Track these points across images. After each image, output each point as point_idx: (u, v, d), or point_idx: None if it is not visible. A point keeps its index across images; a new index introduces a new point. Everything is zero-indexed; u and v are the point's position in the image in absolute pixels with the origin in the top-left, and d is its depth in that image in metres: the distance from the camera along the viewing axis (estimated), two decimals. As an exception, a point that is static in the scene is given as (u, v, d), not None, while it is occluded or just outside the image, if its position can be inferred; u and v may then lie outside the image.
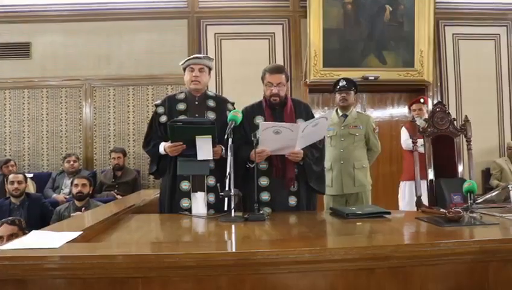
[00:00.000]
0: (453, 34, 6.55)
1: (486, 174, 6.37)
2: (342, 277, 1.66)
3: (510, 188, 2.51)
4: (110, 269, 1.57)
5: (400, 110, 6.70)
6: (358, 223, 2.40)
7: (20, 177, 4.56)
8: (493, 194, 2.78)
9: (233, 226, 2.34)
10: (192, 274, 1.59)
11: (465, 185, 2.53)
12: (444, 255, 1.69)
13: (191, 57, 3.15)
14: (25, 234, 2.44)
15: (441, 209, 2.49)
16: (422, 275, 1.69)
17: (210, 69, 3.21)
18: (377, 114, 6.64)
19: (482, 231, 2.04)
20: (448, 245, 1.70)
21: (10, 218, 3.16)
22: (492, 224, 2.15)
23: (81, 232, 1.93)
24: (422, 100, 4.96)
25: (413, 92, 6.46)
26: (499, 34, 6.61)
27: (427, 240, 1.84)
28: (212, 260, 1.59)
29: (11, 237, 2.78)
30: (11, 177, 4.55)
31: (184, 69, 3.17)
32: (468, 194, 2.51)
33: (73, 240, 1.80)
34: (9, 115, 6.19)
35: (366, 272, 1.67)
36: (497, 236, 1.88)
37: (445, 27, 6.54)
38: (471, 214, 2.34)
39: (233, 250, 1.80)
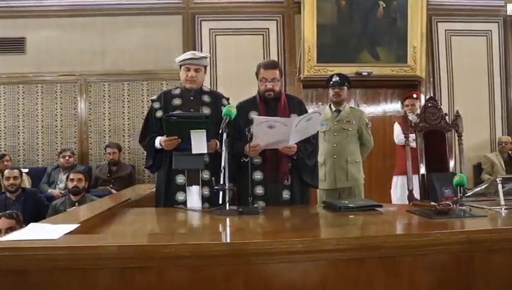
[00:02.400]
0: (446, 30, 6.61)
1: (478, 169, 6.44)
2: (333, 267, 1.71)
3: (498, 181, 2.55)
4: (108, 259, 1.61)
5: (393, 106, 6.75)
6: (350, 216, 2.45)
7: (16, 172, 4.60)
8: (482, 187, 2.83)
9: (227, 219, 2.38)
10: (187, 264, 1.64)
11: (455, 179, 2.57)
12: (431, 245, 1.75)
13: (188, 56, 3.17)
14: (22, 227, 2.47)
15: (432, 203, 2.54)
16: (410, 265, 1.75)
17: (205, 67, 3.27)
18: (370, 109, 6.70)
19: (470, 222, 2.09)
20: (436, 236, 1.76)
21: (8, 212, 3.20)
22: (480, 216, 2.22)
23: (79, 224, 1.97)
24: (414, 96, 5.01)
25: (406, 87, 6.50)
26: (490, 31, 6.68)
27: (416, 231, 1.91)
28: (207, 251, 1.64)
29: (9, 230, 2.81)
30: (6, 172, 4.58)
31: (180, 66, 3.21)
32: (458, 187, 2.56)
33: (71, 232, 1.84)
34: (4, 110, 6.20)
35: (357, 262, 1.72)
36: (483, 227, 1.93)
37: (438, 23, 6.60)
38: (460, 207, 2.39)
39: (228, 241, 1.85)
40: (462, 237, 1.78)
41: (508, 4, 6.59)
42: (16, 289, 1.58)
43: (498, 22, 6.70)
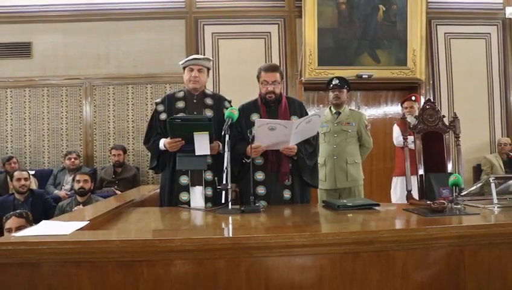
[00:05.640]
0: (445, 33, 6.68)
1: (478, 170, 6.50)
2: (330, 260, 1.80)
3: (491, 181, 2.63)
4: (117, 253, 1.71)
5: (393, 108, 6.82)
6: (349, 215, 2.53)
7: (26, 174, 4.70)
8: (476, 187, 2.90)
9: (230, 217, 2.46)
10: (192, 257, 1.74)
11: (451, 179, 2.65)
12: (423, 239, 1.85)
13: (191, 57, 3.29)
14: (31, 226, 2.55)
15: (427, 202, 2.62)
16: (403, 259, 1.84)
17: (208, 69, 3.36)
18: (371, 112, 6.77)
19: (462, 219, 2.18)
20: (427, 231, 1.85)
21: (18, 211, 3.28)
22: (473, 214, 2.30)
23: (88, 222, 2.07)
24: (413, 98, 5.09)
25: (406, 90, 6.59)
26: (489, 33, 6.75)
27: (409, 227, 1.99)
28: (211, 244, 1.74)
29: (19, 229, 2.89)
30: (17, 174, 4.68)
31: (184, 69, 3.30)
32: (454, 187, 2.64)
33: (82, 229, 1.94)
34: (11, 113, 6.31)
35: (352, 256, 1.81)
36: (473, 223, 2.02)
37: (437, 26, 6.68)
38: (455, 206, 2.47)
39: (230, 235, 1.95)
40: (452, 232, 1.87)
41: (506, 7, 6.65)
42: (30, 281, 1.68)
43: (497, 25, 6.77)
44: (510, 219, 2.15)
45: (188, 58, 3.29)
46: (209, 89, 3.55)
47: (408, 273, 1.83)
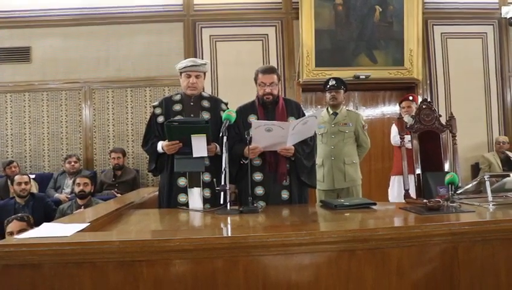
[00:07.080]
0: (442, 33, 6.72)
1: (476, 168, 6.54)
2: (326, 257, 1.83)
3: (486, 179, 2.66)
4: (118, 253, 1.74)
5: (391, 108, 6.85)
6: (346, 214, 2.56)
7: (26, 178, 4.74)
8: (472, 184, 2.93)
9: (228, 218, 2.49)
10: (190, 257, 1.77)
11: (447, 177, 2.69)
12: (417, 237, 1.88)
13: (189, 64, 3.28)
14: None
15: (424, 200, 2.65)
16: (398, 256, 1.87)
17: (205, 73, 3.40)
18: (369, 112, 6.81)
19: (456, 217, 2.20)
20: (421, 228, 1.89)
21: (19, 215, 3.32)
22: (468, 212, 2.32)
23: (89, 223, 2.10)
24: (410, 98, 5.13)
25: (403, 90, 6.62)
26: (486, 33, 6.79)
27: (403, 225, 2.02)
28: (209, 244, 1.77)
29: (20, 232, 2.92)
30: (17, 178, 4.71)
31: (180, 73, 3.33)
32: (450, 185, 2.67)
33: (82, 230, 1.97)
34: (11, 117, 6.33)
35: (348, 254, 1.84)
36: (466, 220, 2.05)
37: (434, 26, 6.71)
38: (451, 204, 2.51)
39: (228, 235, 1.98)
40: (446, 229, 1.91)
41: (502, 7, 6.71)
42: (32, 282, 1.71)
43: (493, 25, 6.81)
44: (503, 215, 2.18)
45: (186, 64, 3.29)
46: (207, 91, 3.57)
47: (403, 270, 1.86)
